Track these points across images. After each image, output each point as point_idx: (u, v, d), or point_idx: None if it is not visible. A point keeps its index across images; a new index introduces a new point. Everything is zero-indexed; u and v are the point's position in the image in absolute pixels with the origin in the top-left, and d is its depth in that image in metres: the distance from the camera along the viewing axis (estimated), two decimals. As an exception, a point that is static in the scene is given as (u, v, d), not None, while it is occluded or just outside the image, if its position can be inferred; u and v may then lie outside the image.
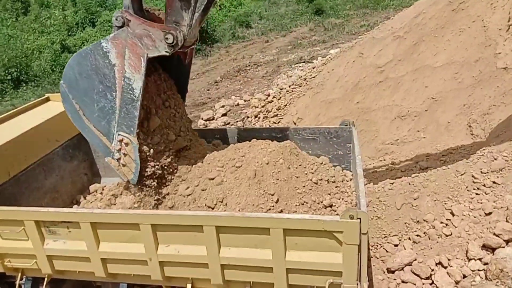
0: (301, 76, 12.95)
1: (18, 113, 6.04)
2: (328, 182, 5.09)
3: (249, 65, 15.70)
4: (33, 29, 26.12)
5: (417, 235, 5.31)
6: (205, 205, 4.80)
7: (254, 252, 4.03)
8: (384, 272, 5.17)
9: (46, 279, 4.82)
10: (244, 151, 5.19)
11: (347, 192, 5.05)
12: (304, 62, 14.78)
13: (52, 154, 5.96)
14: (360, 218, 3.65)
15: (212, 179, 4.98)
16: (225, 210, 4.69)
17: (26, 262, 4.68)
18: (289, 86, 12.67)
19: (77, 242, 4.40)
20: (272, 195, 4.65)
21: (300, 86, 12.49)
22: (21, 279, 4.94)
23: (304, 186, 4.86)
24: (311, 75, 12.61)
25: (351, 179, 5.33)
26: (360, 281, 3.95)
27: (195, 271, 4.27)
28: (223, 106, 13.01)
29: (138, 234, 4.17)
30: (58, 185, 5.96)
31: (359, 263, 3.89)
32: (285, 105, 12.17)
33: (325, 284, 3.98)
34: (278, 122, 11.79)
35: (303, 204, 4.70)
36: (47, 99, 6.63)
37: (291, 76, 13.67)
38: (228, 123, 12.07)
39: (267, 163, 4.85)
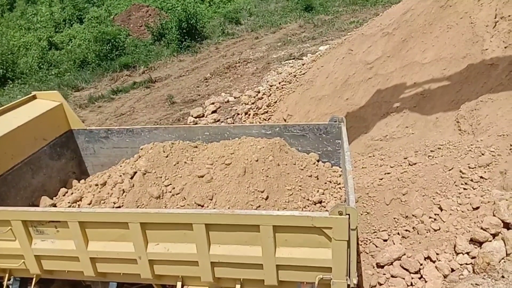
0: (291, 73, 12.94)
1: (4, 111, 5.94)
2: (318, 179, 5.11)
3: (239, 62, 15.65)
4: (20, 25, 25.77)
5: (406, 230, 5.36)
6: (195, 202, 4.79)
7: (244, 249, 4.04)
8: (373, 267, 5.21)
9: (34, 279, 4.78)
10: (234, 148, 5.19)
11: (336, 188, 5.08)
12: (294, 58, 14.77)
13: (39, 152, 5.90)
14: (349, 214, 3.67)
15: (202, 176, 4.97)
16: (214, 208, 4.69)
17: (13, 263, 4.63)
18: (279, 83, 12.66)
19: (66, 241, 4.36)
20: (262, 192, 4.65)
21: (290, 83, 12.48)
22: (8, 279, 4.89)
23: (293, 183, 4.87)
24: (300, 71, 12.61)
25: (340, 175, 5.37)
26: (349, 276, 3.98)
27: (185, 269, 4.26)
28: (213, 103, 12.96)
29: (127, 233, 4.15)
30: (46, 183, 5.91)
31: (348, 258, 3.91)
32: (275, 102, 12.16)
33: (315, 279, 4.01)
34: (269, 119, 11.78)
35: (292, 200, 4.71)
36: (34, 97, 6.53)
37: (281, 73, 13.66)
38: (218, 120, 12.04)
39: (257, 160, 4.86)
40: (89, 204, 5.08)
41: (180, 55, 18.85)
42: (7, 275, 4.85)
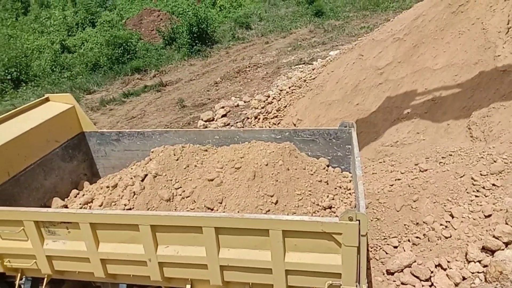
0: (301, 78, 12.95)
1: (18, 113, 6.02)
2: (328, 184, 5.10)
3: (249, 66, 15.70)
4: (33, 29, 26.14)
5: (417, 237, 5.31)
6: (205, 206, 4.80)
7: (254, 253, 4.03)
8: (383, 274, 5.16)
9: (45, 279, 4.82)
10: (244, 152, 5.19)
11: (347, 194, 5.06)
12: (303, 63, 14.78)
13: (51, 154, 5.96)
14: (359, 220, 3.64)
15: (212, 180, 4.98)
16: (224, 211, 4.69)
17: (25, 262, 4.68)
18: (289, 88, 12.67)
19: (77, 242, 4.39)
20: (271, 196, 4.65)
21: (299, 88, 12.49)
22: (20, 279, 4.94)
23: (303, 188, 4.86)
24: (310, 76, 12.61)
25: (350, 181, 5.34)
26: (359, 283, 3.95)
27: (195, 272, 4.26)
28: (223, 107, 13.01)
29: (138, 235, 4.17)
30: (58, 185, 5.97)
31: (358, 264, 3.89)
32: (285, 106, 12.16)
33: (325, 285, 3.97)
34: (278, 123, 11.79)
35: (302, 205, 4.70)
36: (47, 99, 6.61)
37: (290, 78, 13.67)
38: (228, 124, 12.07)
39: (266, 164, 4.86)
40: (100, 206, 5.12)
41: (190, 59, 18.98)
42: (19, 274, 4.90)
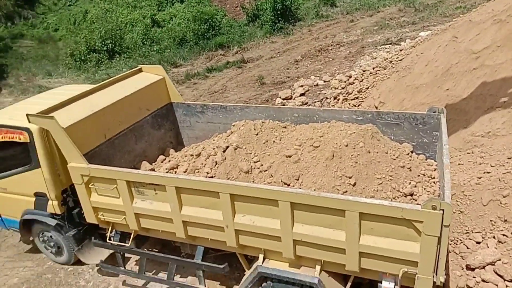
0: (387, 58, 12.36)
1: (115, 82, 6.50)
2: (410, 170, 4.90)
3: (331, 45, 15.30)
4: (127, 3, 27.69)
5: (503, 235, 4.94)
6: (281, 181, 4.89)
7: (328, 232, 4.07)
8: (462, 269, 4.91)
9: (132, 234, 5.30)
10: (323, 131, 5.16)
11: (430, 182, 4.83)
12: (390, 43, 14.05)
13: (142, 121, 6.40)
14: (443, 210, 3.52)
15: (289, 156, 5.03)
16: (300, 188, 4.74)
17: (116, 218, 5.17)
18: (373, 68, 12.17)
19: (162, 203, 4.75)
20: (350, 178, 4.59)
21: (385, 69, 11.94)
22: (111, 232, 5.47)
23: (384, 172, 4.73)
24: (397, 57, 11.98)
25: (435, 169, 5.09)
26: (436, 274, 3.83)
27: (268, 243, 4.41)
28: (301, 86, 12.89)
29: (218, 202, 4.40)
30: (147, 150, 6.42)
31: (437, 255, 3.77)
32: (367, 88, 11.73)
33: (399, 272, 3.92)
34: (358, 105, 11.43)
35: (381, 190, 4.59)
36: (140, 70, 7.06)
37: (375, 58, 13.11)
38: (306, 103, 11.96)
39: (346, 145, 4.79)
40: (185, 172, 5.44)
41: (272, 36, 18.96)
42: (110, 228, 5.43)
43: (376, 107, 10.88)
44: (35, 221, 6.07)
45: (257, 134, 5.52)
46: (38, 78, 17.93)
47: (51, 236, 6.19)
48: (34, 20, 28.72)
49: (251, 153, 5.33)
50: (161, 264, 5.89)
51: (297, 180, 4.80)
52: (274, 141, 5.45)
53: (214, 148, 5.48)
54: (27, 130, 5.35)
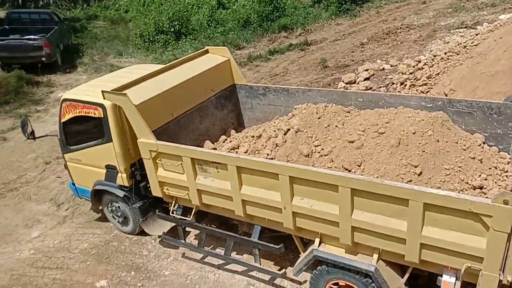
0: (461, 43, 11.59)
1: (183, 62, 6.72)
2: (481, 162, 4.63)
3: (400, 28, 14.59)
4: (194, -15, 28.25)
5: None
6: (342, 166, 4.84)
7: (388, 220, 3.99)
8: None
9: (194, 209, 5.54)
10: (389, 117, 5.00)
11: (502, 176, 4.54)
12: (465, 27, 13.13)
13: (207, 102, 6.59)
14: None
15: (352, 142, 4.95)
16: (362, 174, 4.66)
17: (180, 192, 5.42)
18: (445, 53, 11.48)
19: (223, 181, 4.90)
20: (416, 167, 4.44)
21: (458, 54, 11.22)
22: (174, 206, 5.76)
23: (452, 163, 4.51)
24: (472, 42, 11.20)
25: (508, 162, 4.77)
26: (503, 272, 3.64)
27: (325, 227, 4.42)
28: (366, 70, 12.49)
29: (277, 183, 4.46)
30: (210, 130, 6.62)
31: (506, 252, 3.59)
32: (437, 74, 11.11)
33: (462, 267, 3.79)
34: (427, 92, 10.88)
35: (449, 181, 4.38)
36: (206, 51, 7.23)
37: (448, 42, 12.34)
38: (370, 88, 11.58)
39: (414, 133, 4.61)
40: (245, 152, 5.56)
41: (338, 18, 18.46)
42: (173, 202, 5.72)
43: (446, 95, 10.29)
44: (105, 192, 6.53)
45: (319, 118, 5.48)
46: (109, 57, 18.92)
47: (118, 207, 6.63)
48: (107, 2, 30.29)
49: (312, 137, 5.31)
50: (218, 240, 6.14)
51: (359, 166, 4.71)
52: (336, 126, 5.38)
53: (275, 131, 5.53)
54: (102, 106, 5.72)
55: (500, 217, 3.42)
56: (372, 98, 5.83)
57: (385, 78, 11.85)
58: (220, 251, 5.88)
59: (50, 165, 9.52)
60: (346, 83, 12.27)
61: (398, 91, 10.99)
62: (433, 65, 11.38)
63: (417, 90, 10.98)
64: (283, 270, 5.24)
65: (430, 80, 11.06)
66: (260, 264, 5.35)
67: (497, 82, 9.54)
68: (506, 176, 4.54)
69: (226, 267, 5.96)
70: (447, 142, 4.61)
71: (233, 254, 5.87)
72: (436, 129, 4.65)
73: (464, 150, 4.63)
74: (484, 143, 5.08)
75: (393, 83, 11.46)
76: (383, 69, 12.36)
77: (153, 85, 5.82)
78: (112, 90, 5.39)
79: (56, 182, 8.78)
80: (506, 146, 5.05)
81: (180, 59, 6.90)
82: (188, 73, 6.38)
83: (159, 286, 5.82)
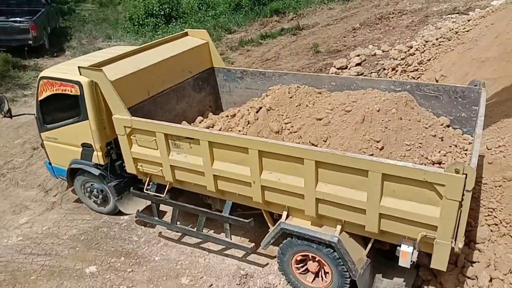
0: (452, 29, 12.01)
1: (161, 43, 7.11)
2: (442, 140, 5.05)
3: (393, 13, 14.97)
4: (185, -33, 28.43)
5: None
6: (309, 142, 5.27)
7: (350, 192, 4.38)
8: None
9: (167, 186, 5.95)
10: (357, 97, 5.43)
11: (462, 154, 4.96)
12: (458, 13, 13.53)
13: (184, 83, 6.98)
14: (466, 174, 3.67)
15: (320, 119, 5.38)
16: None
17: (153, 169, 5.82)
18: (436, 39, 11.90)
19: (196, 157, 5.30)
20: (378, 142, 4.86)
21: (449, 40, 11.65)
22: (148, 183, 6.15)
23: (413, 139, 4.93)
24: (464, 28, 11.62)
25: (470, 143, 5.19)
26: (455, 240, 4.02)
27: (292, 200, 4.84)
28: (358, 55, 12.84)
29: (246, 158, 4.86)
30: (187, 111, 7.02)
31: (457, 220, 3.93)
32: (429, 60, 11.52)
33: (417, 235, 4.16)
34: (418, 78, 11.28)
35: (409, 156, 4.81)
36: (186, 34, 7.63)
37: (440, 28, 12.75)
38: (362, 74, 11.92)
39: (378, 110, 5.04)
40: (219, 130, 5.99)
41: (330, 2, 18.80)
42: (147, 179, 6.12)
43: (437, 80, 10.73)
44: (81, 171, 6.90)
45: (290, 98, 5.91)
46: (98, 41, 19.11)
47: (100, 190, 6.98)
48: (95, -17, 30.40)
49: (283, 115, 5.74)
50: (193, 217, 6.49)
51: (325, 141, 5.14)
52: (307, 105, 5.82)
53: (248, 109, 5.96)
54: (78, 83, 6.09)
55: (452, 186, 3.76)
56: (345, 82, 6.25)
57: (377, 64, 12.23)
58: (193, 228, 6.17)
59: (38, 150, 9.64)
60: (338, 69, 12.60)
61: (389, 77, 11.39)
62: (424, 51, 11.80)
63: (408, 75, 11.40)
64: (252, 244, 5.67)
65: (421, 66, 11.48)
66: (231, 239, 5.78)
67: (487, 69, 10.00)
68: (465, 153, 4.95)
69: (216, 252, 6.25)
70: (409, 120, 5.04)
71: (206, 231, 6.25)
72: (400, 107, 5.07)
73: (426, 128, 5.06)
74: (449, 126, 5.51)
75: (384, 69, 11.86)
76: (375, 54, 12.74)
77: (130, 63, 6.20)
78: (88, 66, 5.77)
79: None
80: (470, 129, 5.45)
81: (158, 40, 7.29)
82: (166, 53, 6.75)
83: (149, 271, 6.03)
